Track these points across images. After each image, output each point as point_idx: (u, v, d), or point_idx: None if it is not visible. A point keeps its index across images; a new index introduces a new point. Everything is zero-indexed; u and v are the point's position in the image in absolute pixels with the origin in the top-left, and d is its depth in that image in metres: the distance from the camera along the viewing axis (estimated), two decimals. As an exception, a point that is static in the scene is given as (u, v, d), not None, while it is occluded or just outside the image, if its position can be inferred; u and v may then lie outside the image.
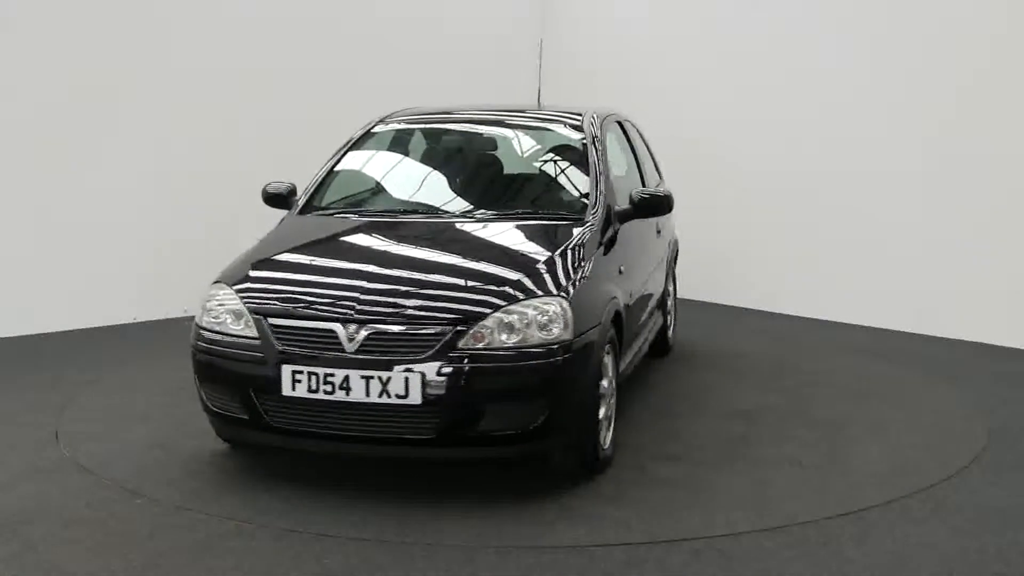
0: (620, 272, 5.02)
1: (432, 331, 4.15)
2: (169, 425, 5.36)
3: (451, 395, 4.09)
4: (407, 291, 4.34)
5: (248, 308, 4.37)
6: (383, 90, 8.02)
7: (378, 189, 5.62)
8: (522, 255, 4.70)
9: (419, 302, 4.28)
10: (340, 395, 4.10)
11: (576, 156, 5.51)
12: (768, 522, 4.08)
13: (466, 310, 4.22)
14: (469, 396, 4.13)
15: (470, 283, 4.45)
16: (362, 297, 4.30)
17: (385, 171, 5.78)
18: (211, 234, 8.02)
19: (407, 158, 5.86)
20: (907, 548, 3.86)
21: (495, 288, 4.33)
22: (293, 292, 4.47)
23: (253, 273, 4.59)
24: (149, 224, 7.81)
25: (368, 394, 4.09)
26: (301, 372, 4.15)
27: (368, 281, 4.41)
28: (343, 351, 4.15)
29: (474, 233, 4.99)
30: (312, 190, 5.43)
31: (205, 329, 4.48)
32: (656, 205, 5.31)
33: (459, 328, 4.14)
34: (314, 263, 4.78)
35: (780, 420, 5.48)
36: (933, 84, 7.38)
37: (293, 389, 4.16)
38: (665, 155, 6.57)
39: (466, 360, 4.11)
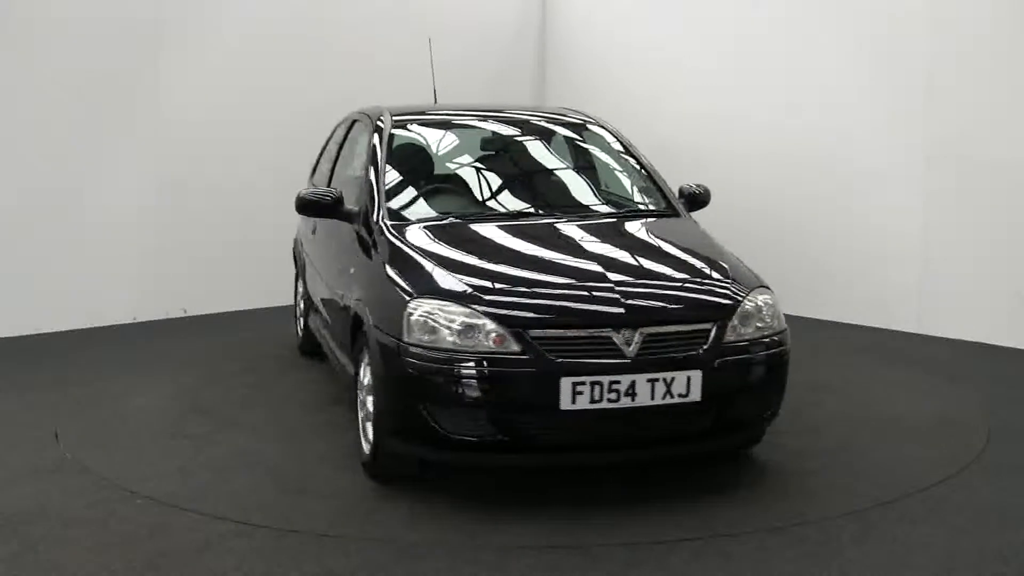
0: None
1: (699, 327, 4.21)
2: (169, 425, 5.36)
3: (725, 388, 4.21)
4: (660, 290, 4.39)
5: (503, 322, 4.05)
6: (383, 91, 8.00)
7: (457, 192, 5.41)
8: (707, 249, 4.85)
9: (677, 300, 4.37)
10: (625, 402, 4.01)
11: (613, 152, 5.74)
12: (768, 522, 4.08)
13: (720, 304, 4.33)
14: (739, 387, 4.29)
15: (705, 278, 4.52)
16: (625, 300, 4.19)
17: (444, 174, 5.56)
18: (211, 234, 8.04)
19: (456, 158, 5.73)
20: (907, 548, 3.86)
21: (726, 282, 4.48)
22: (542, 302, 4.22)
23: (481, 285, 4.26)
24: (149, 224, 7.81)
25: (653, 397, 4.04)
26: (583, 383, 3.96)
27: (613, 283, 4.28)
28: (623, 356, 4.05)
29: (630, 230, 5.01)
30: (385, 197, 5.04)
31: (436, 349, 4.04)
32: (704, 199, 5.56)
33: (720, 322, 4.23)
34: (521, 271, 4.46)
35: (778, 421, 5.46)
36: (934, 84, 7.37)
37: (573, 402, 3.96)
38: (665, 154, 6.57)
39: (732, 353, 4.22)
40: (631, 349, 4.06)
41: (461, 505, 4.24)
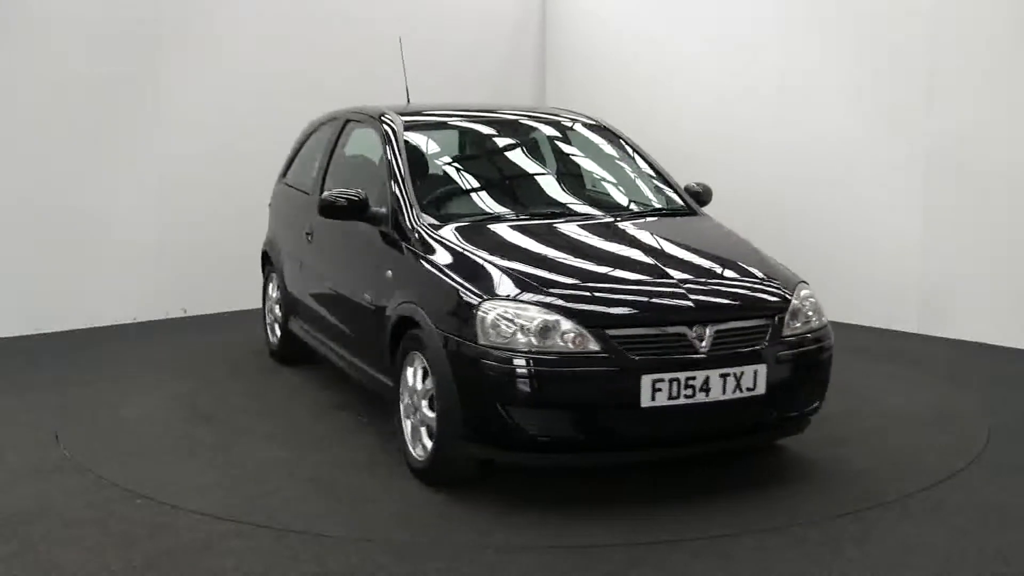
0: None
1: (762, 322, 4.32)
2: (169, 425, 5.36)
3: (785, 381, 4.31)
4: (721, 286, 4.45)
5: (582, 322, 4.05)
6: (384, 92, 8.01)
7: (482, 192, 5.36)
8: (741, 246, 4.97)
9: (739, 296, 4.43)
10: (700, 397, 4.07)
11: (622, 153, 5.79)
12: (768, 522, 4.08)
13: (776, 299, 4.44)
14: (796, 379, 4.40)
15: (754, 275, 4.60)
16: (694, 297, 4.26)
17: (466, 173, 5.55)
18: (211, 235, 8.04)
19: (474, 158, 5.72)
20: (907, 548, 3.85)
21: (774, 278, 4.58)
22: (617, 300, 4.25)
23: (551, 285, 4.24)
24: (149, 224, 7.82)
25: (724, 392, 4.11)
26: (662, 380, 4.00)
27: (677, 280, 4.35)
28: (696, 352, 4.10)
29: (662, 229, 5.07)
30: (418, 200, 4.93)
31: (513, 351, 4.00)
32: (705, 198, 5.65)
33: (777, 317, 4.35)
34: (585, 269, 4.46)
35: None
36: (934, 85, 7.38)
37: (653, 399, 4.01)
38: (663, 154, 6.58)
39: (789, 347, 4.34)
40: (704, 345, 4.13)
41: (461, 505, 4.24)
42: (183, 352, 6.92)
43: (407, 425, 4.58)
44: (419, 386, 4.45)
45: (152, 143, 7.78)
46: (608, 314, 4.15)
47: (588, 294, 4.25)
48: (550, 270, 4.40)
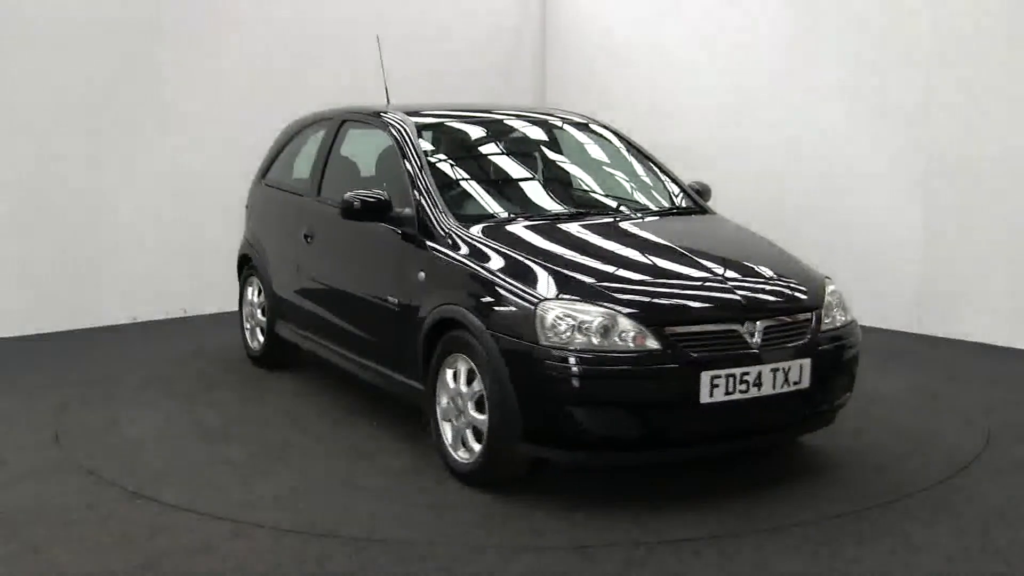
0: None
1: (805, 317, 4.40)
2: (169, 424, 5.36)
3: (826, 374, 4.40)
4: (763, 283, 4.50)
5: (641, 320, 4.06)
6: (388, 92, 8.03)
7: (499, 191, 5.29)
8: (764, 244, 5.05)
9: (781, 292, 4.48)
10: (753, 392, 4.14)
11: (629, 154, 5.82)
12: (768, 522, 4.08)
13: (813, 294, 4.52)
14: (834, 373, 4.48)
15: (787, 271, 4.66)
16: (742, 293, 4.31)
17: (479, 173, 5.48)
18: (211, 235, 8.04)
19: (485, 157, 5.68)
20: (907, 548, 3.86)
21: (807, 275, 4.68)
22: (672, 299, 4.28)
23: (606, 284, 4.26)
24: (149, 224, 7.82)
25: (774, 386, 4.18)
26: (719, 376, 4.05)
27: (723, 277, 4.42)
28: (749, 348, 4.16)
29: (688, 227, 5.18)
30: (445, 200, 4.87)
31: (574, 351, 3.99)
32: (705, 198, 5.68)
33: (816, 312, 4.44)
34: (632, 269, 4.46)
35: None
36: (934, 85, 7.38)
37: (711, 395, 4.05)
38: (662, 154, 6.58)
39: (827, 341, 4.43)
40: (755, 340, 4.18)
41: (461, 506, 4.24)
42: (183, 353, 6.92)
43: (447, 428, 4.53)
44: (464, 388, 4.40)
45: (152, 143, 7.78)
46: (664, 312, 4.18)
47: (644, 293, 4.28)
48: (599, 269, 4.41)
